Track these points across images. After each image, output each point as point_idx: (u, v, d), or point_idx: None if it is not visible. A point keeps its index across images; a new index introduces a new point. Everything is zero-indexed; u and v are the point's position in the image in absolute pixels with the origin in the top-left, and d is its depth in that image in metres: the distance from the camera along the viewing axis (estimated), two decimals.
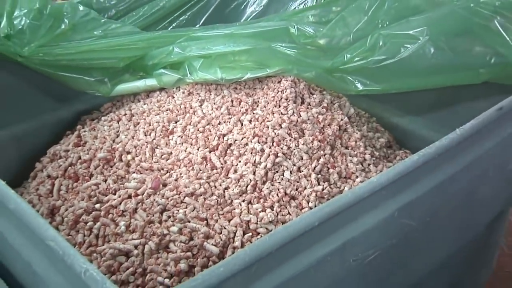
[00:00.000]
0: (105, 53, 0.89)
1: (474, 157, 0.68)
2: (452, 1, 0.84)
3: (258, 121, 0.81)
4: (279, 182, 0.74)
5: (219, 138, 0.79)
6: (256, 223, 0.69)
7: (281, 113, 0.81)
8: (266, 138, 0.78)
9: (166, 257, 0.64)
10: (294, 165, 0.76)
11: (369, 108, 1.02)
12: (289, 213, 0.71)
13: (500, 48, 0.80)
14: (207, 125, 0.83)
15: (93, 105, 0.99)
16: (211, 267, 0.46)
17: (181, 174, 0.76)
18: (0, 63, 0.87)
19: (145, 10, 1.05)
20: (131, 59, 0.92)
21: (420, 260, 0.70)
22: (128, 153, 0.81)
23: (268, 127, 0.79)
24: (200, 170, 0.76)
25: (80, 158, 0.81)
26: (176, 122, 0.85)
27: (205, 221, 0.69)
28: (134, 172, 0.78)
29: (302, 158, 0.77)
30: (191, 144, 0.81)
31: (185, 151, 0.80)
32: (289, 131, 0.79)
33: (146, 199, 0.71)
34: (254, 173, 0.74)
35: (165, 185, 0.74)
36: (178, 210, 0.69)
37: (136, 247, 0.65)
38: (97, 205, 0.72)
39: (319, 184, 0.75)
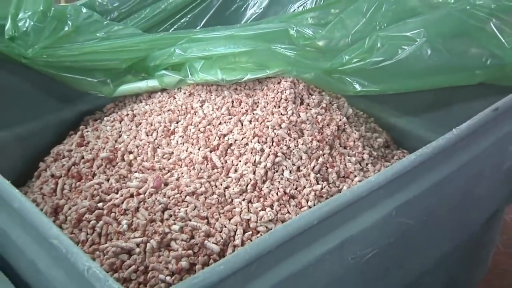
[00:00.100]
0: (108, 55, 0.89)
1: (470, 156, 0.68)
2: (449, 3, 0.84)
3: (258, 121, 0.81)
4: (279, 182, 0.74)
5: (219, 138, 0.79)
6: (256, 222, 0.69)
7: (281, 114, 0.81)
8: (266, 138, 0.78)
9: (168, 255, 0.64)
10: (294, 164, 0.76)
11: (367, 109, 1.02)
12: (288, 212, 0.71)
13: (496, 49, 0.80)
14: (208, 125, 0.83)
15: (96, 106, 0.99)
16: (212, 265, 0.46)
17: (182, 173, 0.76)
18: (4, 64, 0.87)
19: (147, 12, 1.05)
20: (133, 60, 0.92)
21: (417, 258, 0.70)
22: (130, 153, 0.81)
23: (268, 127, 0.79)
24: (201, 169, 0.76)
25: (83, 157, 0.81)
26: (177, 122, 0.85)
27: (206, 220, 0.69)
28: (136, 172, 0.78)
29: (301, 158, 0.77)
30: (192, 144, 0.81)
31: (186, 151, 0.80)
32: (288, 131, 0.79)
33: (148, 198, 0.71)
34: (254, 173, 0.74)
35: (166, 184, 0.74)
36: (180, 209, 0.69)
37: (138, 245, 0.65)
38: (100, 204, 0.72)
39: (318, 184, 0.75)
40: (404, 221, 0.61)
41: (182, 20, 1.11)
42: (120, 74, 0.94)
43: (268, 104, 0.84)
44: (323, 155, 0.79)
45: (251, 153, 0.76)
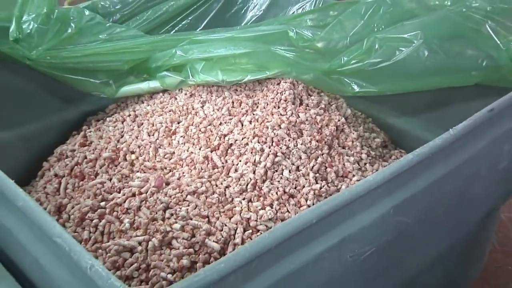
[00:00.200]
0: (110, 56, 0.89)
1: (466, 156, 0.68)
2: (445, 6, 0.84)
3: (258, 121, 0.81)
4: (278, 181, 0.74)
5: (220, 138, 0.79)
6: (256, 221, 0.68)
7: (280, 114, 0.81)
8: (266, 138, 0.78)
9: (169, 253, 0.64)
10: (293, 164, 0.76)
11: (365, 109, 1.02)
12: (288, 210, 0.71)
13: (491, 51, 0.80)
14: (209, 125, 0.82)
15: (99, 106, 0.99)
16: (212, 263, 0.46)
17: (183, 173, 0.76)
18: (9, 65, 0.87)
19: (148, 14, 1.05)
20: (135, 61, 0.92)
21: (415, 257, 0.70)
22: (132, 152, 0.81)
23: (267, 128, 0.79)
24: (202, 169, 0.76)
25: (86, 157, 0.81)
26: (178, 123, 0.85)
27: (207, 219, 0.68)
28: (138, 171, 0.77)
29: (300, 158, 0.77)
30: (193, 144, 0.81)
31: (187, 150, 0.80)
32: (288, 132, 0.79)
33: (150, 197, 0.71)
34: (254, 172, 0.74)
35: (168, 183, 0.73)
36: (181, 208, 0.69)
37: (140, 243, 0.65)
38: (102, 203, 0.72)
39: (317, 183, 0.75)
40: (402, 220, 0.61)
41: (183, 22, 1.11)
42: (122, 75, 0.94)
43: (268, 104, 0.84)
44: (322, 155, 0.79)
45: (251, 153, 0.76)
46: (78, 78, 0.90)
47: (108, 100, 0.97)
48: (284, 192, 0.72)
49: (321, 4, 1.11)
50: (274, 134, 0.78)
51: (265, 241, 0.47)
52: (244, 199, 0.71)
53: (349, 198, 0.54)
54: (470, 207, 0.79)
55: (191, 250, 0.64)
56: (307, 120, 0.82)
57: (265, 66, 0.86)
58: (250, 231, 0.68)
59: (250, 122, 0.81)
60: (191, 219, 0.68)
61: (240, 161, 0.76)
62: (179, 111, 0.87)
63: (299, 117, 0.82)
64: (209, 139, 0.80)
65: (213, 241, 0.65)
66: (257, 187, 0.72)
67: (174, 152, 0.81)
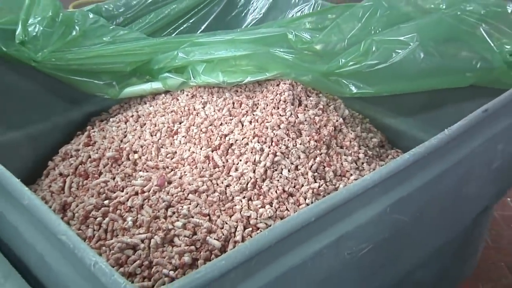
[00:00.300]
0: (113, 58, 0.89)
1: (461, 156, 0.68)
2: (441, 9, 0.84)
3: (257, 122, 0.81)
4: (278, 180, 0.74)
5: (221, 138, 0.79)
6: (256, 219, 0.68)
7: (280, 115, 0.81)
8: (266, 138, 0.77)
9: (171, 250, 0.64)
10: (292, 163, 0.76)
11: (362, 110, 1.02)
12: (287, 209, 0.71)
13: (486, 53, 0.80)
14: (210, 126, 0.82)
15: (102, 107, 0.99)
16: (213, 260, 0.46)
17: (185, 172, 0.76)
18: (15, 67, 0.87)
19: (151, 17, 1.05)
20: (138, 63, 0.92)
21: (411, 253, 0.70)
22: (135, 152, 0.81)
23: (267, 128, 0.79)
24: (203, 168, 0.76)
25: (90, 157, 0.81)
26: (180, 123, 0.85)
27: (208, 217, 0.68)
28: (140, 170, 0.77)
29: (299, 157, 0.77)
30: (195, 144, 0.80)
31: (189, 150, 0.80)
32: (287, 132, 0.79)
33: (152, 196, 0.71)
34: (254, 171, 0.74)
35: (170, 182, 0.73)
36: (182, 206, 0.69)
37: (142, 241, 0.65)
38: (106, 202, 0.71)
39: (315, 182, 0.75)
40: (398, 218, 0.61)
41: (185, 25, 1.11)
42: (125, 76, 0.94)
43: (267, 105, 0.84)
44: (320, 154, 0.79)
45: (251, 152, 0.76)
46: (82, 79, 0.90)
47: (112, 101, 0.97)
48: (284, 190, 0.72)
49: (320, 7, 1.11)
50: (274, 134, 0.78)
51: (265, 238, 0.47)
52: (244, 197, 0.71)
53: (346, 197, 0.54)
54: (464, 206, 0.79)
55: (192, 247, 0.64)
56: (306, 120, 0.82)
57: (265, 68, 0.86)
58: (250, 229, 0.68)
59: (250, 122, 0.81)
60: (193, 217, 0.68)
61: (241, 160, 0.76)
62: (181, 111, 0.87)
63: (298, 117, 0.82)
64: (210, 139, 0.80)
65: (214, 238, 0.65)
66: (257, 186, 0.72)
67: (176, 152, 0.81)
